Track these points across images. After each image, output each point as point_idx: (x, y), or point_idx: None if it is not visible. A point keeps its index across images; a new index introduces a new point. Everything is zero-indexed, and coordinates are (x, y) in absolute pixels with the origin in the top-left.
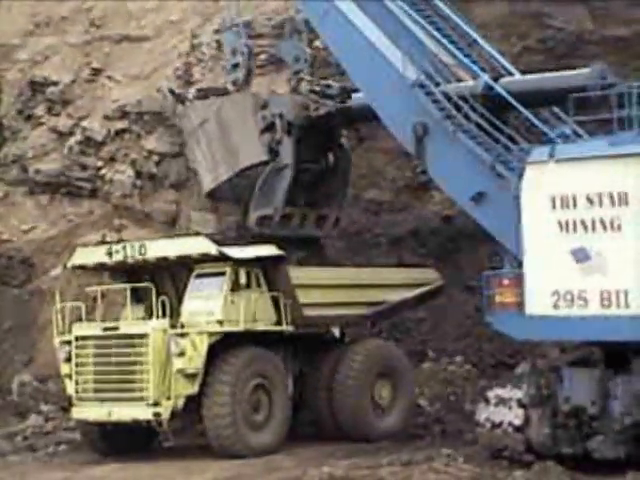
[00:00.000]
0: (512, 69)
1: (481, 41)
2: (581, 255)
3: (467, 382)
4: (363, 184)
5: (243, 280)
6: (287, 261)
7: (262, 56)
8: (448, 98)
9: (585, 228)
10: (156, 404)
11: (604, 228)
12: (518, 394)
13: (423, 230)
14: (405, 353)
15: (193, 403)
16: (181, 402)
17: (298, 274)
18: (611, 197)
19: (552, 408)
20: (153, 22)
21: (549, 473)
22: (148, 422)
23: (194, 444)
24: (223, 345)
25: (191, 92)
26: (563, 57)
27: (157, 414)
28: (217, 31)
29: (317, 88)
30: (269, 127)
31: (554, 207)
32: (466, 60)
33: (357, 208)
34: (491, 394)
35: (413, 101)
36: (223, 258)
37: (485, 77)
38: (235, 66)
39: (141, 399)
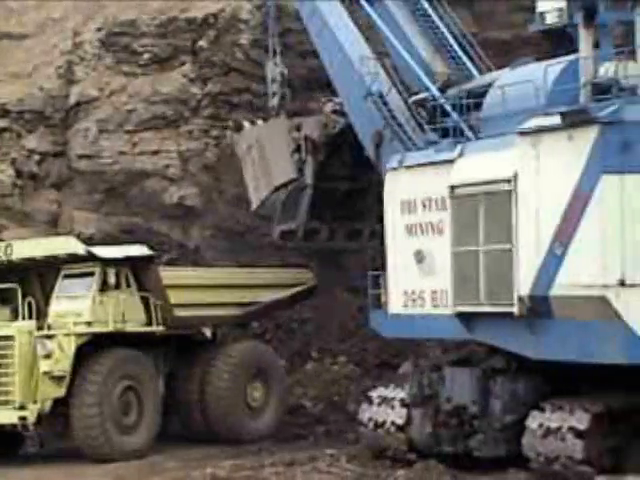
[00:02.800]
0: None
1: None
2: (419, 257)
3: (350, 382)
4: None
5: (112, 280)
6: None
7: (146, 56)
8: (389, 109)
9: (422, 232)
10: (22, 407)
11: (432, 232)
12: (401, 394)
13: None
14: (289, 353)
15: (64, 406)
16: (48, 405)
17: (169, 274)
18: (436, 202)
19: (434, 407)
20: (34, 20)
21: (431, 472)
22: (14, 426)
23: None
24: (92, 347)
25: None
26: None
27: (23, 418)
28: (99, 30)
29: (338, 107)
30: (298, 148)
31: (402, 212)
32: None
33: (241, 209)
34: (374, 394)
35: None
36: (91, 258)
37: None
38: (274, 94)
39: (7, 403)
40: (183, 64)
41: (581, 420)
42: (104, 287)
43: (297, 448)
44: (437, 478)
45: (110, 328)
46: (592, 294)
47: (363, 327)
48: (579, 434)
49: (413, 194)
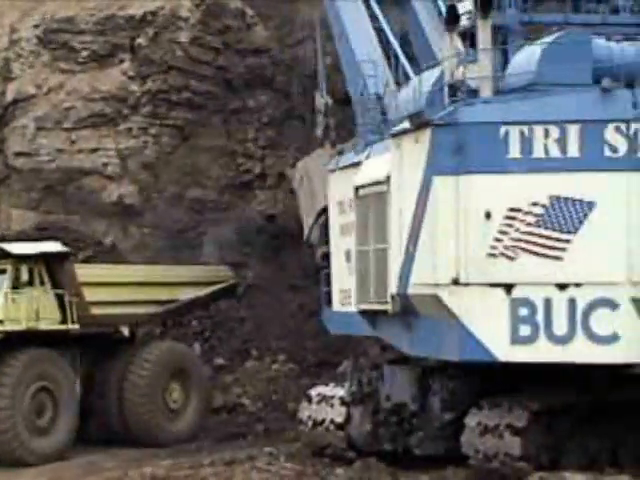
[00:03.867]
0: None
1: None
2: (347, 257)
3: (290, 381)
4: (187, 183)
5: (25, 277)
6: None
7: (84, 53)
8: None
9: (348, 232)
10: None
11: (350, 232)
12: (340, 392)
13: (247, 229)
14: (229, 352)
15: None
16: None
17: (85, 272)
18: (349, 204)
19: (374, 405)
20: None
21: (370, 470)
22: None
23: None
24: (3, 346)
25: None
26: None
27: None
28: (37, 26)
29: None
30: None
31: (338, 212)
32: None
33: (180, 207)
34: (313, 392)
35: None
36: (3, 255)
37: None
38: (319, 124)
39: None
40: (122, 62)
41: (519, 418)
42: (17, 284)
43: (236, 447)
44: (376, 476)
45: (23, 326)
46: (429, 292)
47: (303, 325)
48: (517, 431)
49: (343, 195)
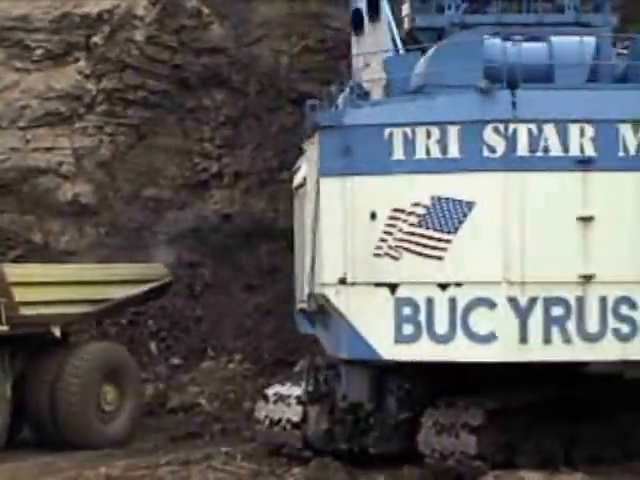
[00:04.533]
0: None
1: None
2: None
3: (246, 380)
4: (143, 182)
5: None
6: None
7: (39, 51)
8: None
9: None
10: None
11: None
12: (297, 391)
13: (203, 228)
14: (184, 351)
15: None
16: None
17: (14, 271)
18: None
19: (330, 405)
20: None
21: (327, 469)
22: None
23: None
24: None
25: None
26: (342, 58)
27: None
28: None
29: None
30: None
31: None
32: None
33: (136, 206)
34: (270, 392)
35: None
36: None
37: None
38: None
39: None
40: (77, 60)
41: (475, 416)
42: None
43: (193, 447)
44: (333, 475)
45: None
46: (319, 292)
47: (259, 325)
48: (473, 430)
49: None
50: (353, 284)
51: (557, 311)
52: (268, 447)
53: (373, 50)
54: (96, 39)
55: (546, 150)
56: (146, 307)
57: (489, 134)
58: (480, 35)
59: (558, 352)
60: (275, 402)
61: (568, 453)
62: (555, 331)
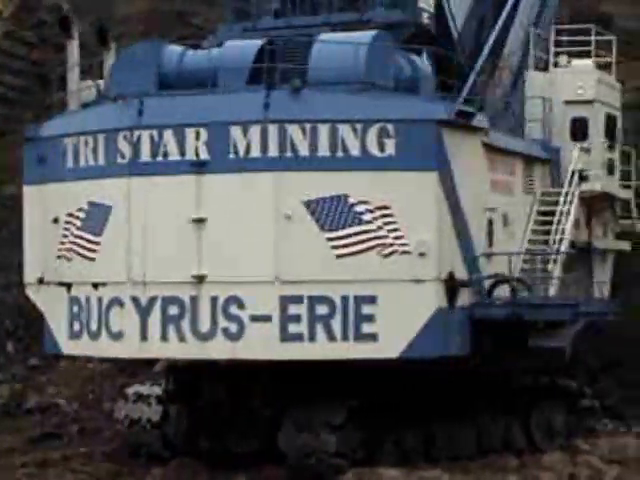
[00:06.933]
0: None
1: None
2: None
3: (106, 380)
4: (2, 179)
5: None
6: None
7: None
8: None
9: None
10: None
11: None
12: (157, 390)
13: None
14: (42, 352)
15: None
16: None
17: None
18: None
19: (191, 404)
20: None
21: (186, 468)
22: None
23: None
24: None
25: None
26: None
27: None
28: None
29: None
30: None
31: None
32: None
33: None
34: (130, 391)
35: None
36: None
37: None
38: None
39: None
40: None
41: (335, 415)
42: None
43: (50, 448)
44: (193, 475)
45: None
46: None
47: None
48: (333, 429)
49: None
50: (48, 284)
51: (173, 310)
52: (128, 447)
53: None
54: None
55: (166, 155)
56: (2, 307)
57: (121, 141)
58: (157, 44)
59: (174, 350)
60: (135, 401)
61: (427, 450)
62: (171, 330)
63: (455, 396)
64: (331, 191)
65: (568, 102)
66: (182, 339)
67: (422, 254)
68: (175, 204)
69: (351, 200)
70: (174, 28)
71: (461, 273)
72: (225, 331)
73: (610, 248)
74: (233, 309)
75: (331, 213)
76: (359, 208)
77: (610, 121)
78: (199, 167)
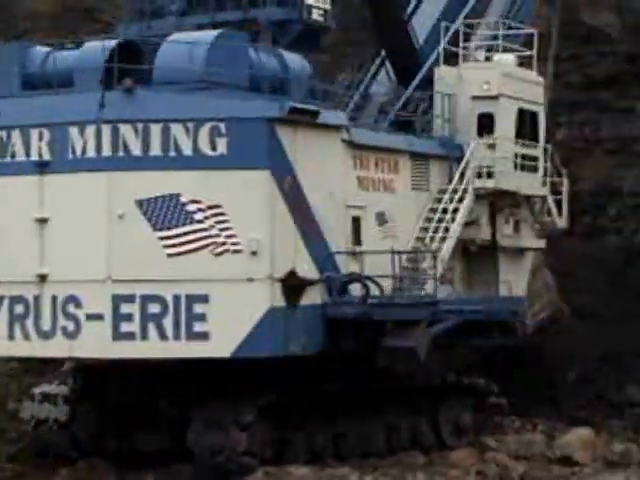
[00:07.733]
0: None
1: None
2: None
3: (12, 379)
4: None
5: None
6: None
7: None
8: None
9: None
10: None
11: None
12: (64, 390)
13: None
14: None
15: None
16: None
17: None
18: None
19: (99, 404)
20: None
21: (95, 469)
22: None
23: None
24: None
25: None
26: None
27: None
28: None
29: None
30: None
31: None
32: None
33: None
34: (37, 390)
35: None
36: None
37: None
38: None
39: None
40: None
41: (244, 413)
42: None
43: None
44: (101, 475)
45: None
46: None
47: None
48: (243, 427)
49: None
50: None
51: (19, 309)
52: (35, 448)
53: None
54: None
55: (13, 155)
56: None
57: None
58: (23, 45)
59: (20, 348)
60: (42, 401)
61: (337, 448)
62: (17, 328)
63: (363, 394)
64: (163, 190)
65: (475, 97)
66: (27, 337)
67: (254, 253)
68: (20, 204)
69: (182, 199)
70: (82, 25)
71: (308, 272)
72: (64, 330)
73: (525, 246)
74: (71, 308)
75: (163, 212)
76: (190, 207)
77: (525, 117)
78: (42, 167)
